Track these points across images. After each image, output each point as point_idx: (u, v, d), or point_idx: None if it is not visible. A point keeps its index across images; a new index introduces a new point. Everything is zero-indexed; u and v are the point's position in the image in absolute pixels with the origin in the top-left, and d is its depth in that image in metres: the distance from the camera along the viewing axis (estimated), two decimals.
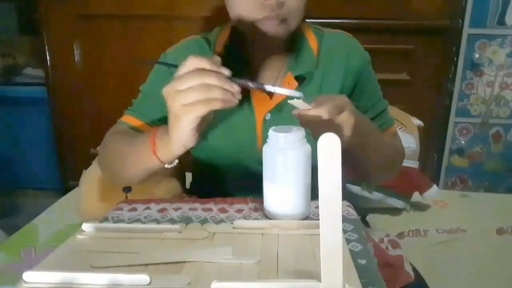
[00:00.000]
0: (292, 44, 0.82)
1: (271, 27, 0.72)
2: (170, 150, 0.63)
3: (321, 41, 0.83)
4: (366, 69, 0.85)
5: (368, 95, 0.86)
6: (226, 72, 0.58)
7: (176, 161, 0.67)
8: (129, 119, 0.83)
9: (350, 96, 0.83)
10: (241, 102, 0.80)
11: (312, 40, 0.83)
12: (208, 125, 0.63)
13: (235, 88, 0.57)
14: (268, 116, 0.81)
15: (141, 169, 0.71)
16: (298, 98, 0.59)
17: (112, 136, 0.80)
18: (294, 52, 0.81)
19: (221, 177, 0.86)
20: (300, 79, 0.79)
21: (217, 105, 0.56)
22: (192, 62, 0.56)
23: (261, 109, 0.81)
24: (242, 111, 0.81)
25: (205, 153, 0.86)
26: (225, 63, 0.79)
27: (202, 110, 0.56)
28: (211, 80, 0.55)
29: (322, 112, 0.58)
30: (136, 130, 0.81)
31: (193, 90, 0.55)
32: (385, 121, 0.88)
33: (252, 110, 0.81)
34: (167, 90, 0.57)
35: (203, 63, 0.56)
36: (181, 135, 0.59)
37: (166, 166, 0.67)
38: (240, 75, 0.78)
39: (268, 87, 0.62)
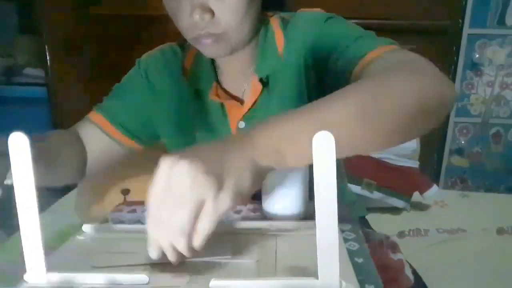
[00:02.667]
0: (258, 44, 0.74)
1: (205, 46, 0.67)
2: None
3: (285, 31, 0.74)
4: (324, 27, 0.70)
5: (337, 43, 0.66)
6: None
7: None
8: (93, 115, 0.80)
9: (320, 65, 0.69)
10: (217, 114, 0.76)
11: (278, 35, 0.74)
12: None
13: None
14: (242, 125, 0.76)
15: None
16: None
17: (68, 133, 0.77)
18: (260, 52, 0.74)
19: None
20: (265, 81, 0.73)
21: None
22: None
23: (234, 118, 0.76)
24: (215, 122, 0.77)
25: None
26: (196, 73, 0.77)
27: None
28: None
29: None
30: (98, 126, 0.78)
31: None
32: (366, 45, 0.62)
33: (226, 119, 0.76)
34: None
35: None
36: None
37: None
38: (211, 84, 0.75)
39: None
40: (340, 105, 0.46)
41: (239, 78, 0.76)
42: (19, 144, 0.40)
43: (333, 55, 0.66)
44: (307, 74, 0.72)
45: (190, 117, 0.79)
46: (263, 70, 0.73)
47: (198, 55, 0.77)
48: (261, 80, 0.73)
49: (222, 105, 0.76)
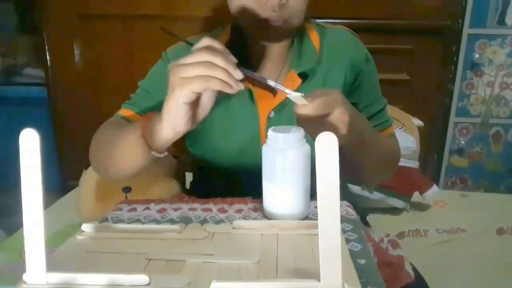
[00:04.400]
0: (294, 41, 0.82)
1: (274, 28, 0.72)
2: (160, 133, 0.61)
3: (323, 37, 0.83)
4: (366, 65, 0.85)
5: (367, 93, 0.86)
6: (233, 59, 0.57)
7: (166, 153, 0.66)
8: (125, 111, 0.83)
9: (350, 92, 0.83)
10: (244, 100, 0.80)
11: (314, 37, 0.83)
12: (204, 116, 0.62)
13: (238, 75, 0.56)
14: (272, 114, 0.81)
15: (129, 159, 0.69)
16: (303, 104, 0.59)
17: (105, 128, 0.79)
18: (296, 49, 0.82)
19: (225, 176, 0.86)
20: (303, 76, 0.80)
21: (216, 85, 0.55)
22: (205, 41, 0.57)
23: (264, 107, 0.81)
24: (245, 109, 0.81)
25: (208, 151, 0.86)
26: None
27: (198, 86, 0.55)
28: (217, 59, 0.55)
29: (309, 108, 0.57)
30: (131, 121, 0.81)
31: (196, 64, 0.55)
32: (383, 121, 0.88)
33: (256, 108, 0.81)
34: (173, 65, 0.57)
35: (215, 44, 0.57)
36: (172, 110, 0.58)
37: (155, 154, 0.65)
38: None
39: (271, 82, 0.62)
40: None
41: (271, 69, 0.82)
42: (30, 141, 0.39)
43: (361, 96, 0.85)
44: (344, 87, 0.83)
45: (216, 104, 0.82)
46: (302, 65, 0.80)
47: (231, 47, 0.80)
48: (299, 74, 0.79)
49: (251, 92, 0.80)
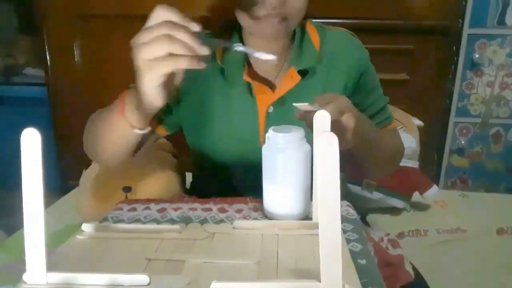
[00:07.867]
0: (294, 39, 0.83)
1: (272, 25, 0.72)
2: (139, 109, 0.61)
3: (324, 38, 0.84)
4: (367, 66, 0.86)
5: (369, 92, 0.87)
6: (195, 27, 0.53)
7: (149, 128, 0.66)
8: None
9: (354, 92, 0.85)
10: (243, 94, 0.81)
11: (314, 37, 0.84)
12: (179, 84, 0.60)
13: (204, 50, 0.53)
14: (271, 109, 0.82)
15: (115, 140, 0.69)
16: (272, 60, 0.61)
17: (100, 110, 0.80)
18: (296, 48, 0.82)
19: (224, 172, 0.86)
20: (302, 73, 0.80)
21: (182, 64, 0.53)
22: (160, 14, 0.53)
23: (263, 102, 0.81)
24: (244, 104, 0.82)
25: (207, 146, 0.86)
26: (228, 56, 0.81)
27: (165, 68, 0.53)
28: (178, 34, 0.51)
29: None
30: None
31: (157, 42, 0.51)
32: (385, 118, 0.89)
33: (254, 103, 0.81)
34: (133, 41, 0.54)
35: (172, 15, 0.52)
36: (146, 92, 0.56)
37: (137, 131, 0.65)
38: (243, 68, 0.80)
39: (237, 46, 0.61)
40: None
41: (272, 66, 0.83)
42: (31, 140, 0.39)
43: (363, 96, 0.86)
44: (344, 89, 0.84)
45: (215, 97, 0.83)
46: (302, 63, 0.80)
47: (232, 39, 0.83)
48: (299, 72, 0.80)
49: (250, 86, 0.81)
